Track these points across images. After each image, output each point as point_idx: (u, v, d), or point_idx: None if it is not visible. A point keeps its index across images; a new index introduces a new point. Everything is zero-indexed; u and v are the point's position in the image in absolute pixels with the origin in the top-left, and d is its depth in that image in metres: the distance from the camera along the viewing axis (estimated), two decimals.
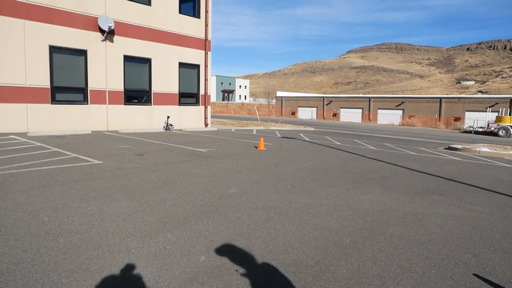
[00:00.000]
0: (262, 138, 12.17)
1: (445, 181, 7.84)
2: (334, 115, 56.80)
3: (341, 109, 56.55)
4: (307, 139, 16.42)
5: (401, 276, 3.25)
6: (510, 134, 30.34)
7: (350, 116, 53.77)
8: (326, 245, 3.86)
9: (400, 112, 49.96)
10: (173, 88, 17.64)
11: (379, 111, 52.41)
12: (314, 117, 58.42)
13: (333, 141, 16.13)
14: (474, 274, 3.37)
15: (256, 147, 11.76)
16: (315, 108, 59.62)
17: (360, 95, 62.44)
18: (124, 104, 15.75)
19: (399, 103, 50.90)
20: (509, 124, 31.41)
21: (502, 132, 30.56)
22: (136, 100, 16.50)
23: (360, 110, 54.45)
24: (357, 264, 3.43)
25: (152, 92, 16.71)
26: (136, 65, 16.12)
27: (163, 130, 16.52)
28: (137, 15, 15.75)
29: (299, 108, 61.58)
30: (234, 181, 6.72)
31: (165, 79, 17.19)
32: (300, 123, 34.71)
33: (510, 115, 34.21)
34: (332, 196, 5.96)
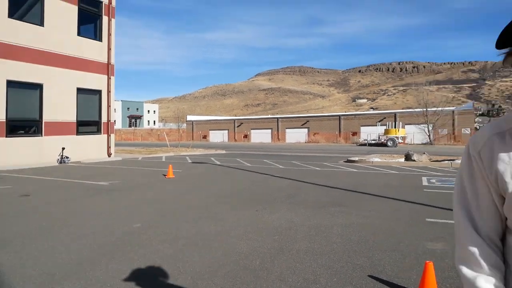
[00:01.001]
0: (171, 165, 11.83)
1: (345, 192, 8.48)
2: (245, 136, 58.15)
3: (252, 130, 58.19)
4: (218, 163, 16.50)
5: None
6: (397, 144, 34.37)
7: (261, 136, 55.54)
8: (236, 270, 3.85)
9: (306, 130, 53.15)
10: (70, 116, 16.02)
11: (287, 130, 55.09)
12: (226, 139, 59.09)
13: (243, 163, 16.44)
14: (369, 275, 3.65)
15: (165, 175, 11.39)
16: (227, 131, 60.44)
17: (269, 116, 65.17)
18: (6, 136, 13.63)
19: (304, 122, 54.23)
20: (395, 136, 35.67)
21: (390, 143, 34.42)
22: (23, 131, 14.60)
23: (270, 130, 56.61)
24: (266, 285, 3.49)
25: (43, 121, 14.84)
26: (24, 91, 14.37)
27: (57, 164, 14.80)
28: (27, 36, 14.09)
29: (211, 132, 61.85)
30: (140, 214, 6.41)
31: (60, 107, 15.46)
32: (211, 147, 34.80)
33: (395, 127, 38.66)
34: (242, 219, 6.03)
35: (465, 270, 0.97)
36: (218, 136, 59.95)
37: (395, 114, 47.55)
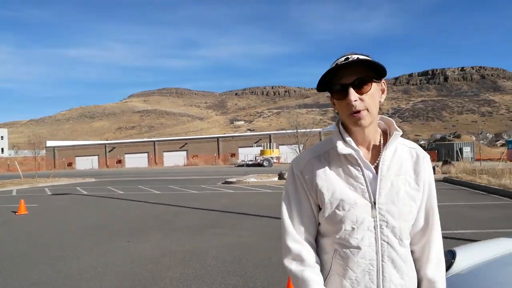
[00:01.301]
0: (22, 200, 10.12)
1: (221, 213, 8.63)
2: (119, 162, 54.79)
3: (126, 155, 55.15)
4: (85, 193, 15.13)
5: None
6: (272, 163, 36.68)
7: (136, 161, 53.00)
8: None
9: (184, 153, 52.74)
10: None
11: (164, 153, 53.80)
12: (96, 166, 54.67)
13: (115, 191, 15.41)
14: None
15: (16, 212, 9.77)
16: (97, 157, 56.01)
17: (144, 139, 62.71)
18: None
19: (182, 145, 53.75)
20: (270, 156, 38.08)
21: (266, 163, 36.57)
22: None
23: (146, 154, 54.51)
24: None
25: None
26: None
27: None
28: None
29: (77, 158, 56.49)
30: None
31: None
32: (78, 175, 31.75)
33: (270, 148, 41.31)
34: (111, 252, 5.61)
35: (293, 267, 1.18)
36: (86, 163, 55.06)
37: (270, 135, 50.81)
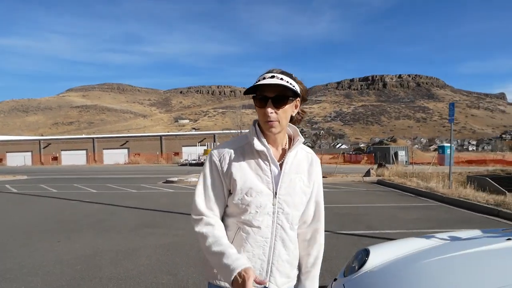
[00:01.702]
0: None
1: (159, 213, 8.59)
2: (55, 159, 51.67)
3: (62, 152, 52.15)
4: (16, 191, 14.20)
5: None
6: None
7: (74, 158, 50.30)
8: None
9: (126, 151, 50.96)
10: None
11: (104, 151, 51.62)
12: (29, 163, 51.14)
13: (49, 189, 14.62)
14: None
15: None
16: (30, 153, 52.40)
17: (83, 136, 59.63)
18: None
19: (123, 142, 51.90)
20: None
21: None
22: None
23: (85, 152, 51.93)
24: None
25: None
26: None
27: None
28: None
29: (8, 154, 52.47)
30: None
31: None
32: (9, 172, 29.52)
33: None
34: (39, 252, 5.42)
35: (205, 230, 1.42)
36: (18, 160, 51.28)
37: (214, 135, 50.67)
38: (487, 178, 11.93)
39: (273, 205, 1.43)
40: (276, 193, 1.43)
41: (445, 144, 36.33)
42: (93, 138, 53.68)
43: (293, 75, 1.45)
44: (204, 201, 1.45)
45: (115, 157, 49.70)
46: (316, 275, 1.62)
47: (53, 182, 18.31)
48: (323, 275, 4.37)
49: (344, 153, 54.50)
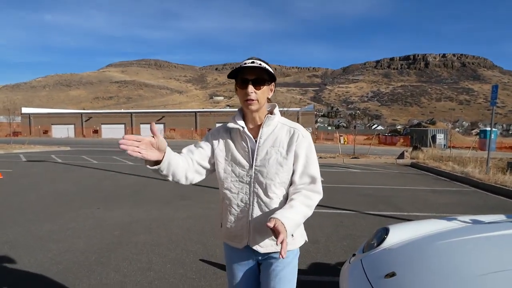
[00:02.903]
0: None
1: (192, 187, 8.91)
2: (95, 132, 53.96)
3: (102, 126, 54.32)
4: (60, 161, 15.11)
5: (140, 276, 3.64)
6: None
7: (113, 132, 52.32)
8: (68, 267, 3.84)
9: (162, 126, 52.33)
10: None
11: (141, 125, 53.25)
12: (72, 135, 53.76)
13: (90, 160, 15.46)
14: (200, 259, 4.12)
15: None
16: (73, 126, 54.98)
17: (122, 111, 61.68)
18: None
19: (160, 118, 53.26)
20: None
21: None
22: None
23: (123, 126, 53.81)
24: (99, 278, 3.60)
25: None
26: None
27: None
28: None
29: (53, 126, 55.31)
30: None
31: None
32: (54, 143, 31.30)
33: None
34: (81, 217, 5.86)
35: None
36: (62, 132, 54.05)
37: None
38: None
39: (249, 175, 1.68)
40: (252, 164, 1.67)
41: (488, 129, 34.60)
42: (131, 113, 55.43)
43: (268, 64, 1.67)
44: (189, 148, 1.75)
45: None
46: (288, 208, 1.57)
47: (93, 154, 19.28)
48: (345, 252, 4.49)
49: (379, 134, 53.25)
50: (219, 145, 1.74)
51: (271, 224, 1.41)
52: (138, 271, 3.78)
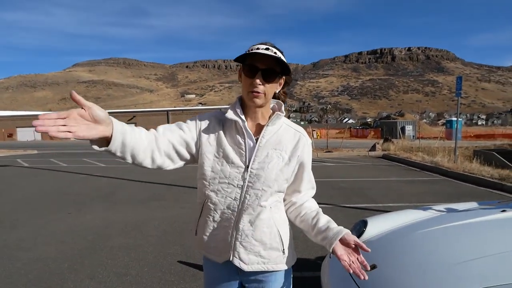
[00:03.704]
0: None
1: (167, 187, 8.78)
2: None
3: None
4: (27, 165, 14.50)
5: (116, 282, 3.52)
6: None
7: None
8: (39, 277, 3.66)
9: (133, 126, 51.17)
10: None
11: None
12: (39, 138, 51.78)
13: (59, 163, 14.92)
14: (179, 261, 4.04)
15: None
16: None
17: None
18: None
19: (130, 117, 52.14)
20: None
21: None
22: None
23: None
24: (73, 286, 3.46)
25: None
26: None
27: None
28: None
29: (18, 129, 53.12)
30: None
31: None
32: (20, 147, 30.03)
33: None
34: (52, 223, 5.63)
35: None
36: (28, 134, 51.94)
37: (220, 109, 50.54)
38: (493, 153, 11.90)
39: (243, 178, 1.39)
40: (248, 166, 1.39)
41: (453, 119, 35.95)
42: None
43: (283, 53, 1.41)
44: (164, 126, 1.41)
45: None
46: (328, 218, 1.52)
47: (63, 157, 18.63)
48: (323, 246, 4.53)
49: (350, 128, 54.27)
50: (209, 137, 1.42)
51: (354, 244, 1.38)
52: (114, 276, 3.65)
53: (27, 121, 53.91)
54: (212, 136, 1.42)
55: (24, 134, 52.29)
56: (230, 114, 1.41)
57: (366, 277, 1.28)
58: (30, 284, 3.50)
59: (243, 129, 1.41)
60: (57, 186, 9.06)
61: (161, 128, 1.38)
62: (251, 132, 1.43)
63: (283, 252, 1.50)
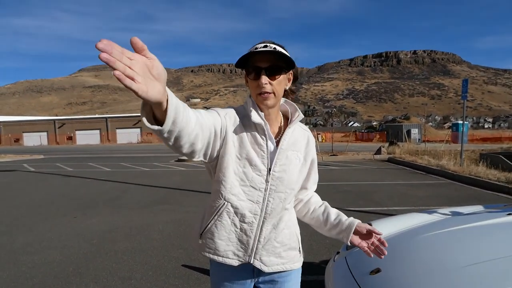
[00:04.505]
0: None
1: (171, 190, 8.80)
2: (69, 138, 52.57)
3: (77, 132, 52.98)
4: (33, 169, 14.60)
5: (121, 286, 3.52)
6: None
7: (88, 138, 51.10)
8: (44, 281, 3.68)
9: (138, 130, 51.45)
10: None
11: (117, 130, 52.24)
12: (45, 142, 52.17)
13: (64, 168, 15.01)
14: (183, 265, 4.04)
15: None
16: (46, 133, 53.37)
17: (96, 116, 60.36)
18: None
19: (136, 122, 52.37)
20: None
21: None
22: None
23: (98, 131, 52.65)
24: None
25: None
26: None
27: None
28: None
29: (25, 134, 53.56)
30: None
31: None
32: (26, 152, 30.26)
33: None
34: (57, 227, 5.65)
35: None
36: (34, 139, 52.36)
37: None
38: (500, 156, 11.79)
39: (266, 182, 1.37)
40: (270, 169, 1.36)
41: (460, 122, 35.70)
42: (106, 118, 54.27)
43: (285, 48, 1.37)
44: (203, 115, 1.19)
45: (128, 136, 50.33)
46: (337, 211, 1.64)
47: (68, 161, 18.75)
48: (328, 250, 4.49)
49: (356, 131, 54.11)
50: (234, 137, 1.33)
51: (367, 231, 1.52)
52: (118, 280, 3.66)
53: (34, 126, 54.37)
54: (237, 137, 1.34)
55: (31, 139, 52.71)
56: (255, 117, 1.34)
57: (386, 252, 1.46)
58: None
59: (266, 131, 1.36)
60: (63, 191, 9.11)
61: (203, 111, 1.23)
62: (272, 135, 1.40)
63: (299, 251, 1.55)
